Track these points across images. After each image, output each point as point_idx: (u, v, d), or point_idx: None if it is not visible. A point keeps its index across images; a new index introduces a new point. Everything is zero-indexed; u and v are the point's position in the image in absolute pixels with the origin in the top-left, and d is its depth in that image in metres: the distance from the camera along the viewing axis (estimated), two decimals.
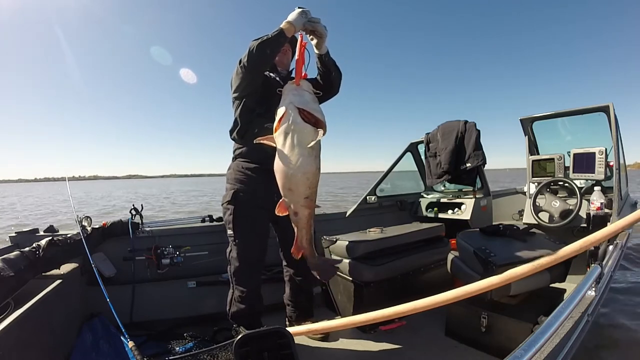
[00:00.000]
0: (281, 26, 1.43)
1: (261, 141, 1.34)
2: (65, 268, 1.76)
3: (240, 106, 1.67)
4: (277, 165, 1.33)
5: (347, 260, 1.93)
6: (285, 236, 1.83)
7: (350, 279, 1.92)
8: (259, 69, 1.56)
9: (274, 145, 1.32)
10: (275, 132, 1.30)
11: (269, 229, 1.83)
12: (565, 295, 1.57)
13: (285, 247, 1.89)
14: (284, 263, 1.95)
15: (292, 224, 1.43)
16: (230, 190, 1.72)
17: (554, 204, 2.51)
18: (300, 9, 1.42)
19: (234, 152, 1.81)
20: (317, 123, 1.30)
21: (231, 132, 1.77)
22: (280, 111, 1.29)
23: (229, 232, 1.72)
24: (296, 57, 1.42)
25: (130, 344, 1.47)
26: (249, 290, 1.73)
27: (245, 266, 1.71)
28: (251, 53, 1.45)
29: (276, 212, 1.39)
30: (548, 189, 2.60)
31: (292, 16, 1.42)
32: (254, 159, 1.72)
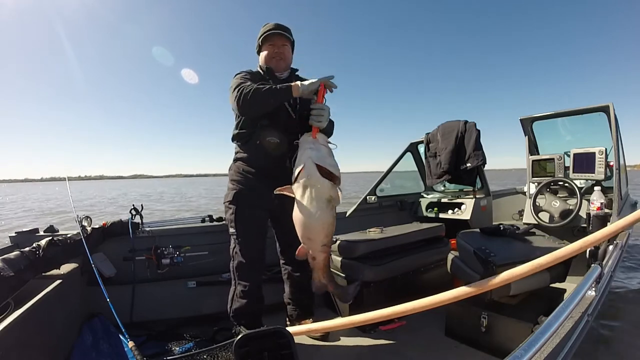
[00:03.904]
0: (291, 85, 1.48)
1: (281, 192, 1.45)
2: (65, 268, 1.75)
3: (242, 119, 1.72)
4: (297, 216, 1.45)
5: (347, 260, 1.93)
6: (284, 234, 1.84)
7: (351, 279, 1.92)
8: (256, 112, 1.62)
9: (294, 196, 1.44)
10: (294, 183, 1.43)
11: (268, 229, 1.85)
12: (565, 295, 1.57)
13: (283, 245, 1.91)
14: (282, 261, 1.95)
15: (310, 265, 1.54)
16: (232, 191, 1.75)
17: (554, 204, 2.51)
18: (314, 83, 1.46)
19: (235, 154, 1.83)
20: (333, 178, 1.41)
21: (233, 138, 1.80)
22: (300, 166, 1.40)
23: (231, 230, 1.75)
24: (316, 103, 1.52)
25: (130, 344, 1.47)
26: (252, 285, 1.74)
27: (247, 261, 1.73)
28: (255, 96, 1.49)
29: (296, 256, 1.51)
30: (548, 189, 2.60)
31: (304, 86, 1.46)
32: (255, 165, 1.75)
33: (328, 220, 1.44)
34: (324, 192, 1.40)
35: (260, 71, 1.78)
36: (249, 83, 1.56)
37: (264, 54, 1.76)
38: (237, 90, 1.55)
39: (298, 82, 1.50)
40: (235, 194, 1.74)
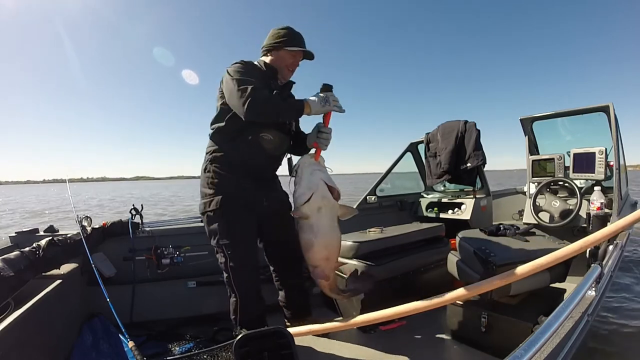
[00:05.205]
0: (303, 103, 1.46)
1: (296, 215, 1.47)
2: (65, 268, 1.75)
3: (232, 112, 1.54)
4: (313, 238, 1.46)
5: (347, 260, 1.93)
6: (271, 239, 1.79)
7: None
8: (263, 120, 1.54)
9: (305, 219, 1.46)
10: (305, 205, 1.44)
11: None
12: (565, 295, 1.57)
13: (270, 250, 1.84)
14: (272, 268, 1.90)
15: (317, 283, 1.58)
16: (216, 197, 1.57)
17: (554, 204, 2.51)
18: (322, 96, 1.48)
19: (212, 152, 1.62)
20: (336, 196, 1.49)
21: (217, 131, 1.62)
22: (313, 188, 1.44)
23: (223, 241, 1.59)
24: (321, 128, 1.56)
25: (130, 344, 1.47)
26: (254, 293, 1.69)
27: (248, 271, 1.65)
28: (270, 107, 1.45)
29: (314, 277, 1.55)
30: (548, 189, 2.60)
31: (315, 104, 1.47)
32: (246, 164, 1.61)
33: (340, 237, 1.54)
34: (336, 211, 1.49)
35: (263, 67, 1.66)
36: (252, 87, 1.42)
37: (279, 57, 1.66)
38: (246, 91, 1.41)
39: (309, 102, 1.47)
40: (223, 199, 1.56)
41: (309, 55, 1.72)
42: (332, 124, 1.58)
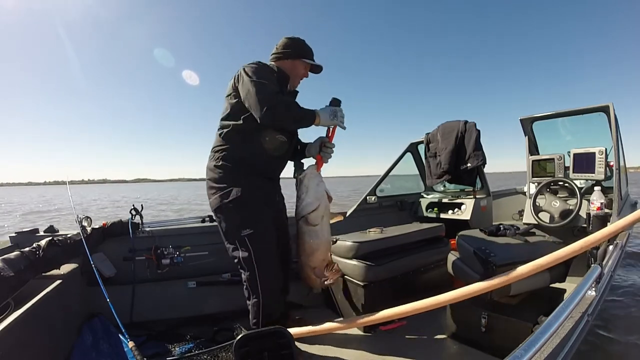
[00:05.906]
0: (315, 113, 1.52)
1: (309, 222, 1.56)
2: (65, 268, 1.76)
3: (249, 112, 1.53)
4: (317, 243, 1.56)
5: (347, 261, 1.93)
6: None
7: (351, 279, 1.92)
8: (277, 124, 1.58)
9: (313, 226, 1.55)
10: (313, 213, 1.54)
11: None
12: (565, 295, 1.56)
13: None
14: None
15: (310, 280, 1.66)
16: (237, 187, 1.56)
17: (554, 204, 2.51)
18: (333, 109, 1.57)
19: (223, 150, 1.60)
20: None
21: (232, 130, 1.60)
22: (320, 197, 1.57)
23: (247, 231, 1.54)
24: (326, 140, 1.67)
25: (130, 344, 1.47)
26: (278, 290, 1.68)
27: (273, 265, 1.62)
28: (288, 114, 1.48)
29: (322, 282, 1.65)
30: (548, 189, 2.60)
31: (325, 116, 1.55)
32: (260, 163, 1.64)
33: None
34: (329, 217, 1.64)
35: (275, 71, 1.66)
36: (274, 91, 1.46)
37: (294, 66, 1.70)
38: (266, 95, 1.42)
39: (320, 113, 1.53)
40: (243, 189, 1.55)
41: (317, 70, 1.79)
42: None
